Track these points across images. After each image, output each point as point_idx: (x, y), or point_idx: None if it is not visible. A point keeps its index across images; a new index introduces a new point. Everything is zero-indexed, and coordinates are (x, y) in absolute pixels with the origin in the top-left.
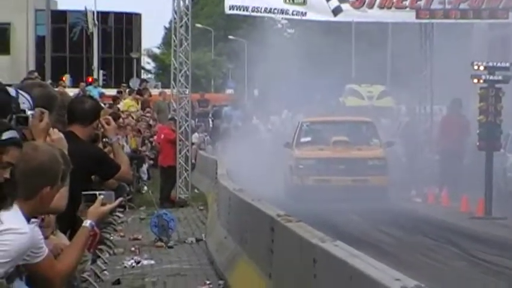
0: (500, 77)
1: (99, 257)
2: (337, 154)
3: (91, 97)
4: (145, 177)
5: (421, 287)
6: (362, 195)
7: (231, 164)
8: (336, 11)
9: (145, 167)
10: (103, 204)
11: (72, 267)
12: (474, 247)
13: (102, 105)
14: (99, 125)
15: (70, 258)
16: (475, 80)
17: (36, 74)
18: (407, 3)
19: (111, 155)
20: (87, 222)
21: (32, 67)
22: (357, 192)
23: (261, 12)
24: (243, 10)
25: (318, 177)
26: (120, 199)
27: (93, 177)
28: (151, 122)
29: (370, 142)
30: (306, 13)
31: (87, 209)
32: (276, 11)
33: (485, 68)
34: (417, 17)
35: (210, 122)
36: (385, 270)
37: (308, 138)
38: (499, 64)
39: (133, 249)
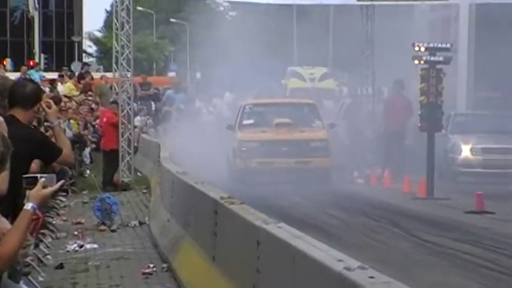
0: (441, 58)
1: (41, 241)
2: (280, 136)
3: (32, 81)
4: (87, 161)
5: (364, 267)
6: (305, 177)
7: (174, 147)
8: None
9: (87, 150)
10: (44, 187)
11: (14, 250)
12: (417, 228)
13: (44, 89)
14: (40, 109)
15: (12, 242)
16: (416, 61)
17: None
18: None
19: (53, 139)
20: (28, 205)
21: None
22: (300, 174)
23: None
24: None
25: (261, 159)
26: (61, 181)
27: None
28: (93, 106)
29: (313, 124)
30: None
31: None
32: None
33: (426, 49)
34: None
35: (153, 105)
36: (328, 251)
37: (251, 121)
38: (439, 45)
39: (76, 233)
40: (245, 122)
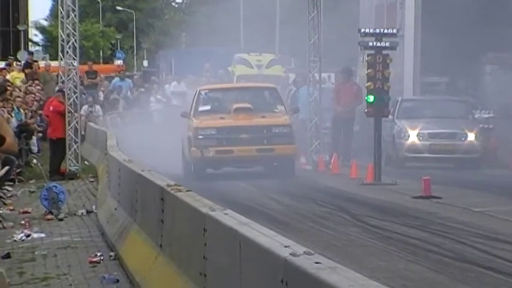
0: (387, 44)
1: None
2: (240, 122)
3: None
4: (35, 149)
5: (310, 253)
6: (267, 166)
7: (121, 136)
8: None
9: (34, 139)
10: None
11: None
12: (364, 213)
13: None
14: None
15: None
16: (363, 47)
17: None
18: None
19: None
20: None
21: None
22: (262, 163)
23: None
24: None
25: (219, 148)
26: (6, 168)
27: None
28: (39, 95)
29: (274, 109)
30: None
31: None
32: None
33: (372, 34)
34: None
35: (101, 93)
36: (274, 237)
37: (207, 107)
38: (386, 31)
39: (23, 222)
40: (201, 108)
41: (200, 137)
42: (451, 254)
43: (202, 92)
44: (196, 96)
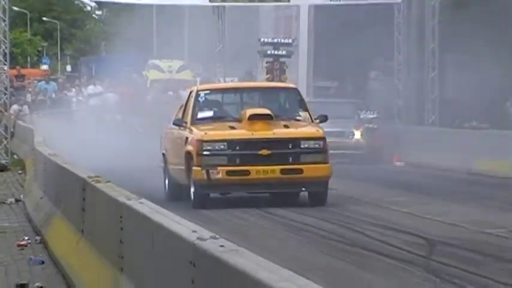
0: (284, 52)
1: None
2: (258, 134)
3: None
4: None
5: (216, 237)
6: (295, 192)
7: (47, 133)
8: None
9: None
10: None
11: None
12: (270, 205)
13: None
14: None
15: None
16: (262, 55)
17: None
18: None
19: None
20: None
21: None
22: (287, 187)
23: None
24: None
25: (231, 167)
26: None
27: None
28: None
29: (297, 116)
30: None
31: None
32: None
33: (270, 44)
34: (210, 0)
35: (28, 95)
36: (184, 223)
37: (209, 113)
38: (282, 40)
39: None
40: (201, 114)
41: (206, 152)
42: (349, 241)
43: (201, 93)
44: (193, 99)
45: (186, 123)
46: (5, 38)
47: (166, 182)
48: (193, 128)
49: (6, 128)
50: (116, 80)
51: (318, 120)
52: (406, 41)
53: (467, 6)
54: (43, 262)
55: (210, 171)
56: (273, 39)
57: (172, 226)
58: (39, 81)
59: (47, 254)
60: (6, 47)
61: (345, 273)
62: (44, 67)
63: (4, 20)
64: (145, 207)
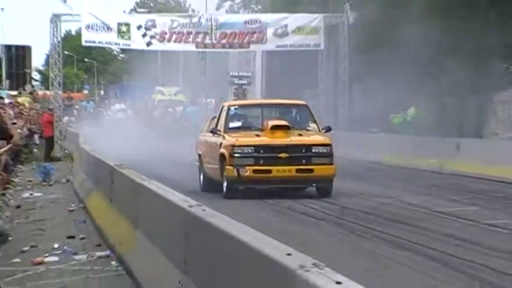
0: (245, 81)
1: (7, 189)
2: (278, 140)
3: None
4: (37, 142)
5: (200, 205)
6: (306, 187)
7: (87, 135)
8: (148, 44)
9: (36, 137)
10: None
11: None
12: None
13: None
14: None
15: None
16: (231, 83)
17: None
18: (190, 39)
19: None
20: None
21: None
22: (301, 184)
23: (102, 44)
24: (93, 43)
25: (257, 167)
26: (9, 146)
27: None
28: (38, 112)
29: (307, 126)
30: (130, 45)
31: None
32: (113, 43)
33: (236, 76)
34: (196, 47)
35: (75, 110)
36: (178, 195)
37: (238, 123)
38: (244, 74)
39: (28, 187)
40: (232, 124)
41: (237, 155)
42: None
43: (232, 108)
44: (225, 112)
45: (219, 131)
46: (59, 72)
47: (201, 177)
48: (225, 135)
49: (60, 132)
50: (133, 100)
51: (324, 130)
52: (326, 75)
53: (370, 51)
54: (85, 221)
55: (240, 169)
56: (238, 73)
57: (168, 196)
58: (82, 101)
59: (87, 215)
60: (60, 78)
61: (280, 227)
62: (85, 92)
63: (58, 60)
64: (154, 186)
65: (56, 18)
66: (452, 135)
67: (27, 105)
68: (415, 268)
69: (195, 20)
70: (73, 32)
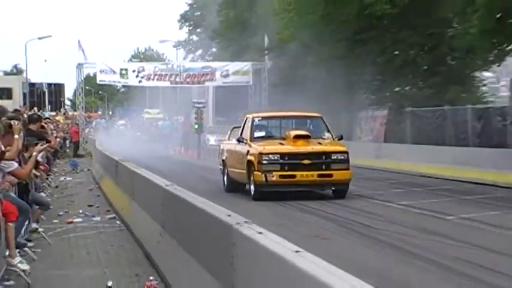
0: (202, 106)
1: (49, 175)
2: (301, 148)
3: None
4: (68, 145)
5: (169, 184)
6: (326, 190)
7: (101, 140)
8: (139, 82)
9: (67, 142)
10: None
11: (28, 173)
12: (201, 171)
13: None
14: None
15: (28, 168)
16: (194, 106)
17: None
18: (166, 79)
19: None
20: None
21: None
22: (321, 187)
23: (110, 82)
24: (104, 81)
25: (283, 172)
26: (46, 145)
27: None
28: (69, 125)
29: (323, 136)
30: (128, 82)
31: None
32: (117, 82)
33: (197, 102)
34: (170, 84)
35: (93, 124)
36: (157, 178)
37: (262, 133)
38: (201, 100)
39: (63, 173)
40: (256, 134)
41: (264, 161)
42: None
43: (256, 119)
44: (250, 123)
45: (246, 140)
46: (82, 100)
47: (225, 179)
48: (252, 144)
49: (83, 139)
50: (130, 118)
51: (337, 139)
52: (253, 102)
53: (281, 86)
54: (99, 196)
55: (267, 175)
56: (197, 100)
57: (151, 178)
58: (97, 119)
59: (101, 192)
60: (83, 104)
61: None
62: (99, 112)
63: (82, 93)
64: (146, 173)
65: (80, 66)
66: None
67: (61, 121)
68: None
69: (169, 66)
70: (91, 74)
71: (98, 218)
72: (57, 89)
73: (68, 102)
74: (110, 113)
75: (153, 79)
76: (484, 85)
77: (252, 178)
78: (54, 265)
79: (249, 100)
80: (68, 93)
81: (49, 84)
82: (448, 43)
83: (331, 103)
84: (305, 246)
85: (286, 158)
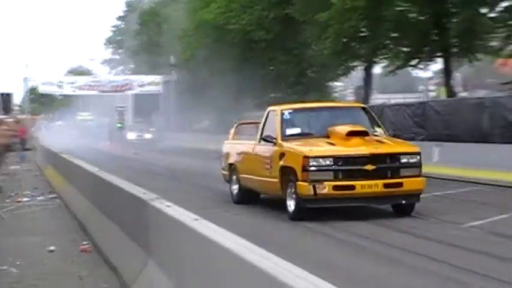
0: (124, 109)
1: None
2: (361, 150)
3: None
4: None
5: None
6: (393, 205)
7: (45, 137)
8: (73, 91)
9: (17, 140)
10: None
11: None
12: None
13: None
14: None
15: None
16: (116, 110)
17: None
18: (96, 89)
19: None
20: None
21: None
22: (388, 201)
23: (51, 91)
24: (45, 91)
25: (338, 182)
26: None
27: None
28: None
29: (374, 132)
30: (63, 92)
31: None
32: (55, 92)
33: (119, 106)
34: (99, 92)
35: (37, 125)
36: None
37: (297, 130)
38: (123, 105)
39: (14, 163)
40: (289, 131)
41: (312, 168)
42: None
43: (286, 112)
44: (278, 117)
45: (275, 139)
46: (28, 106)
47: (235, 187)
48: (285, 144)
49: (30, 136)
50: (66, 119)
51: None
52: (164, 106)
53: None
54: (43, 180)
55: (316, 186)
56: (120, 105)
57: (82, 165)
58: (40, 120)
59: (44, 178)
60: (29, 109)
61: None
62: (42, 115)
63: (28, 101)
64: (77, 161)
65: (26, 79)
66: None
67: (12, 122)
68: None
69: (97, 79)
70: (34, 86)
71: (42, 198)
72: (6, 98)
73: (17, 108)
74: (51, 115)
75: (84, 89)
76: (336, 92)
77: (290, 190)
78: (8, 234)
79: (160, 105)
80: (17, 100)
81: (1, 94)
82: (308, 60)
83: (223, 106)
84: None
85: (342, 163)
